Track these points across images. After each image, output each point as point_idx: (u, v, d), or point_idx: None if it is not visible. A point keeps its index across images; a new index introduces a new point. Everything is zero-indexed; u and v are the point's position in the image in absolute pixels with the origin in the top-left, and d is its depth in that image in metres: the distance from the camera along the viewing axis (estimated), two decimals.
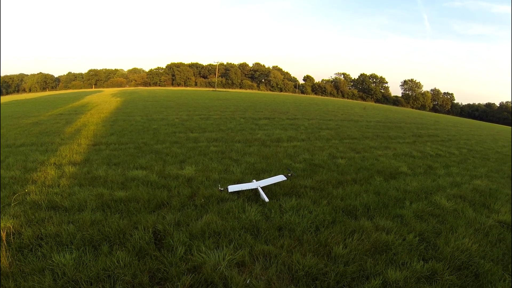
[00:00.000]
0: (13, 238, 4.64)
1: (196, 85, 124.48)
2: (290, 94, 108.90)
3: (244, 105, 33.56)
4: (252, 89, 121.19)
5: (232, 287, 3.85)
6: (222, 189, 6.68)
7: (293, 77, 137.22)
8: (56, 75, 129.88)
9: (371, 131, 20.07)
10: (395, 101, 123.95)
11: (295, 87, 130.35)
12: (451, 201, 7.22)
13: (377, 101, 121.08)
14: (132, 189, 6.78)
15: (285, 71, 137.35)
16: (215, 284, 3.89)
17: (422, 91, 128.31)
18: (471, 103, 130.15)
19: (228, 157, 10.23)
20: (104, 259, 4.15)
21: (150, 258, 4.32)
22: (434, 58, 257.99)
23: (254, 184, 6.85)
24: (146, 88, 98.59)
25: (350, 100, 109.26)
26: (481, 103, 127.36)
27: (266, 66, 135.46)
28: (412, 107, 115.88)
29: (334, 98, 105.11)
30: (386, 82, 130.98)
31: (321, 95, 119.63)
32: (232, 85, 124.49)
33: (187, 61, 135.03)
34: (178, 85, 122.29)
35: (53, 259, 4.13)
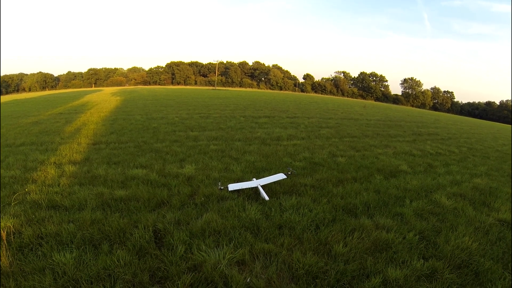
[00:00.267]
0: (14, 237, 4.64)
1: (196, 83, 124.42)
2: (290, 92, 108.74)
3: (244, 103, 33.53)
4: (252, 87, 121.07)
5: (232, 286, 3.85)
6: (222, 187, 6.69)
7: (293, 75, 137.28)
8: (55, 75, 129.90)
9: (371, 129, 20.06)
10: (395, 99, 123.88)
11: (295, 85, 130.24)
12: (451, 200, 7.22)
13: (377, 99, 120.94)
14: (132, 188, 6.78)
15: (285, 69, 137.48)
16: (216, 282, 3.89)
17: (422, 90, 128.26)
18: (471, 101, 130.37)
19: (228, 155, 10.23)
20: (105, 258, 4.15)
21: (150, 257, 4.32)
22: (434, 57, 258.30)
23: (254, 183, 6.85)
24: (146, 87, 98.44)
25: (350, 98, 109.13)
26: (481, 101, 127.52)
27: (266, 65, 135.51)
28: (412, 106, 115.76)
29: (334, 97, 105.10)
30: (386, 81, 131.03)
31: (321, 94, 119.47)
32: (232, 83, 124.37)
33: (187, 60, 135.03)
34: (178, 84, 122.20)
35: (54, 258, 4.13)
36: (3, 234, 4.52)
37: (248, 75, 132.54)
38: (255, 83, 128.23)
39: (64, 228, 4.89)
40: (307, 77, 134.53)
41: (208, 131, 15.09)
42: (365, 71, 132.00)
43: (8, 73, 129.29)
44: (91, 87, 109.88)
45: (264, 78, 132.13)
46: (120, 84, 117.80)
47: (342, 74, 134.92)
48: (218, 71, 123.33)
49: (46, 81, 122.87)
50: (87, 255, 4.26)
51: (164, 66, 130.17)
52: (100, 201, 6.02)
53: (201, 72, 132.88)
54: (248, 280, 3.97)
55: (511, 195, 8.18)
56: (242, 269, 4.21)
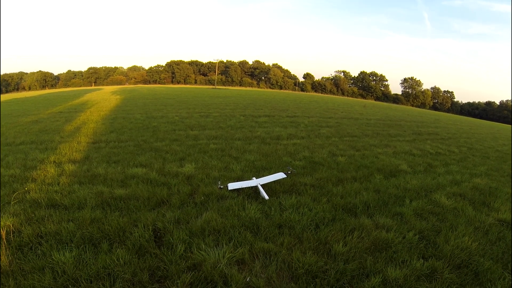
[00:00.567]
0: (13, 236, 4.64)
1: (196, 82, 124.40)
2: (290, 91, 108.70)
3: (244, 102, 33.51)
4: (252, 86, 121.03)
5: (232, 285, 3.85)
6: (221, 186, 6.68)
7: (293, 74, 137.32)
8: (55, 73, 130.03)
9: (371, 129, 20.05)
10: (395, 99, 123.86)
11: (295, 84, 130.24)
12: (451, 199, 7.22)
13: (377, 99, 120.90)
14: (132, 187, 6.78)
15: (285, 68, 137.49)
16: (215, 281, 3.89)
17: (422, 89, 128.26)
18: (471, 101, 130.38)
19: (228, 154, 10.22)
20: (104, 257, 4.15)
21: (150, 256, 4.32)
22: (434, 57, 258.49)
23: (254, 182, 6.84)
24: (145, 86, 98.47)
25: (350, 98, 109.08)
26: (481, 101, 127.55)
27: (266, 64, 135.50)
28: (412, 105, 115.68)
29: (334, 96, 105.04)
30: (386, 80, 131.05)
31: (321, 93, 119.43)
32: (232, 82, 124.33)
33: (187, 58, 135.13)
34: (178, 82, 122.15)
35: (53, 257, 4.13)
36: (3, 233, 4.52)
37: (248, 74, 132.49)
38: (255, 82, 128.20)
39: (64, 227, 4.88)
40: (307, 76, 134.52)
41: (208, 130, 15.08)
42: (365, 71, 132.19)
43: (8, 72, 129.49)
44: (91, 86, 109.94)
45: (264, 77, 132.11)
46: (120, 83, 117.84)
47: (342, 74, 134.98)
48: (218, 70, 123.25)
49: (46, 80, 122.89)
50: (87, 254, 4.25)
51: (164, 65, 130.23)
52: (99, 200, 6.01)
53: (201, 71, 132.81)
54: (247, 279, 3.97)
55: (511, 195, 8.18)
56: (242, 268, 4.21)
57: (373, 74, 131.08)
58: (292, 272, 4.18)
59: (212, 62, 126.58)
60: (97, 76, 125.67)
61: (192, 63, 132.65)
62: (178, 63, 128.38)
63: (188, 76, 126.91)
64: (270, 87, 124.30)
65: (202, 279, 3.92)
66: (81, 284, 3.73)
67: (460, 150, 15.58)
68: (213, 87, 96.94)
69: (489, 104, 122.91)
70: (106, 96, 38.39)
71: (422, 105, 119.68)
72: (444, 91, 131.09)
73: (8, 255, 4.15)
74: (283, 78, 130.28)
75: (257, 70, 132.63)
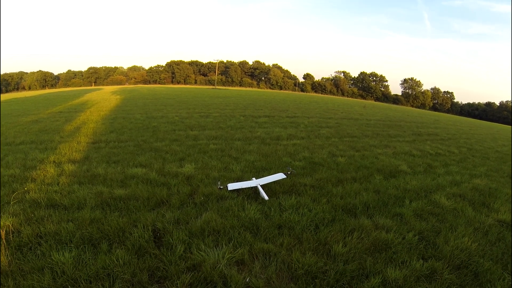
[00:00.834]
0: (13, 236, 4.63)
1: (196, 83, 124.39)
2: (290, 92, 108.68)
3: (244, 103, 33.52)
4: (252, 87, 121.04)
5: (231, 286, 3.85)
6: (221, 187, 6.68)
7: (293, 75, 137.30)
8: (55, 73, 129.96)
9: (371, 129, 20.05)
10: (395, 99, 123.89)
11: (295, 85, 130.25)
12: (451, 200, 7.22)
13: (377, 99, 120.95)
14: (131, 187, 6.77)
15: (285, 69, 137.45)
16: (215, 282, 3.89)
17: (422, 90, 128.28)
18: (471, 102, 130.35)
19: (227, 155, 10.22)
20: (104, 258, 4.14)
21: (149, 256, 4.31)
22: (434, 57, 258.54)
23: (253, 182, 6.84)
24: (145, 86, 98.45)
25: (350, 98, 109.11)
26: (481, 102, 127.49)
27: (266, 64, 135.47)
28: (412, 106, 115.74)
29: (334, 97, 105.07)
30: (386, 81, 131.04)
31: (321, 93, 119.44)
32: (232, 83, 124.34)
33: (187, 59, 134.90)
34: (178, 83, 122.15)
35: (53, 258, 4.12)
36: (2, 233, 4.51)
37: (248, 75, 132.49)
38: (255, 83, 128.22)
39: (63, 227, 4.88)
40: (307, 76, 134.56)
41: (208, 130, 15.08)
42: (365, 71, 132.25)
43: (8, 72, 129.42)
44: (91, 85, 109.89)
45: (264, 78, 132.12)
46: (120, 83, 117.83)
47: (342, 74, 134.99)
48: (218, 70, 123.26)
49: (46, 79, 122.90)
50: (86, 254, 4.24)
51: (164, 65, 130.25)
52: (99, 200, 6.01)
53: (201, 71, 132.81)
54: (247, 280, 3.97)
55: (511, 196, 8.18)
56: (241, 269, 4.21)
57: (373, 74, 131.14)
58: (292, 273, 4.18)
59: (212, 62, 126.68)
60: (97, 76, 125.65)
61: (192, 63, 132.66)
62: (178, 63, 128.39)
63: (188, 76, 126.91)
64: (270, 88, 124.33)
65: (202, 279, 3.91)
66: (80, 285, 3.73)
67: (460, 151, 15.59)
68: (213, 87, 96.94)
69: (489, 104, 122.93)
70: (106, 96, 38.39)
71: (422, 106, 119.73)
72: (444, 91, 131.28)
73: (7, 255, 4.15)
74: (283, 78, 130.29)
75: (257, 71, 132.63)
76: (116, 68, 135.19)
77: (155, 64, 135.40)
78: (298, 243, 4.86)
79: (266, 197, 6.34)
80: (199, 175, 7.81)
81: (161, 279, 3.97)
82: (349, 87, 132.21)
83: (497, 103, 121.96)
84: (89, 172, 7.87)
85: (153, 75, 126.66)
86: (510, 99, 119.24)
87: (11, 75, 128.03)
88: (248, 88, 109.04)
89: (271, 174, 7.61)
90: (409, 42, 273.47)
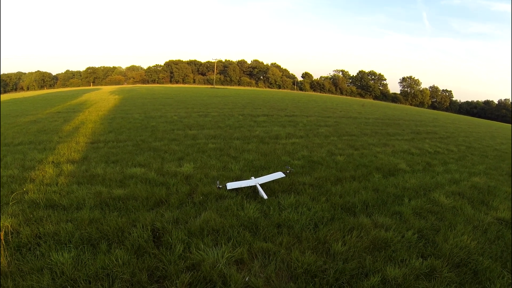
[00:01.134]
0: (12, 237, 4.62)
1: (194, 82, 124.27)
2: (289, 91, 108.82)
3: (242, 102, 33.50)
4: (250, 86, 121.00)
5: (231, 285, 3.85)
6: (220, 186, 6.68)
7: (292, 74, 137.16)
8: (54, 73, 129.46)
9: (370, 128, 20.07)
10: (393, 98, 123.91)
11: (293, 84, 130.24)
12: (450, 198, 7.23)
13: (375, 98, 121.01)
14: (130, 186, 6.76)
15: (284, 68, 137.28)
16: (214, 281, 3.89)
17: (421, 88, 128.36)
18: (470, 100, 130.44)
19: (226, 154, 10.22)
20: (103, 258, 4.14)
21: (148, 256, 4.31)
22: (433, 56, 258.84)
23: (252, 181, 6.84)
24: (144, 85, 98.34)
25: (349, 97, 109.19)
26: (479, 100, 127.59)
27: (265, 63, 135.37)
28: (411, 104, 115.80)
29: (332, 95, 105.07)
30: (385, 79, 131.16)
31: (320, 92, 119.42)
32: (230, 82, 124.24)
33: (185, 58, 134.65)
34: (177, 82, 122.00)
35: (52, 258, 4.11)
36: (1, 234, 4.49)
37: (247, 74, 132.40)
38: (253, 82, 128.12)
39: (62, 227, 4.87)
40: (305, 75, 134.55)
41: (206, 129, 15.07)
42: (363, 70, 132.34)
43: (6, 72, 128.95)
44: (90, 85, 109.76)
45: (263, 77, 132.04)
46: (118, 82, 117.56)
47: (340, 73, 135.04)
48: (216, 69, 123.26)
49: (44, 80, 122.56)
50: (85, 254, 4.24)
51: (162, 64, 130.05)
52: (98, 200, 6.00)
53: (199, 70, 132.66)
54: (246, 279, 3.97)
55: (510, 194, 8.20)
56: (241, 268, 4.21)
57: (372, 73, 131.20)
58: (291, 272, 4.18)
59: (211, 62, 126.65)
60: (96, 76, 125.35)
61: (191, 63, 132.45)
62: (177, 63, 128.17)
63: (186, 75, 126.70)
64: (268, 87, 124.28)
65: (201, 279, 3.91)
66: (79, 285, 3.72)
67: (458, 149, 15.62)
68: (212, 86, 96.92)
69: (488, 103, 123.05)
70: (104, 96, 38.31)
71: (421, 104, 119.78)
72: (443, 90, 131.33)
73: (6, 256, 4.13)
74: (281, 77, 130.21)
75: (256, 70, 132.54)
76: (114, 68, 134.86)
77: (154, 64, 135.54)
78: (298, 242, 4.86)
79: (265, 196, 6.34)
80: (198, 174, 7.80)
81: (161, 278, 3.96)
82: (348, 85, 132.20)
83: (496, 102, 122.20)
84: (88, 172, 7.85)
85: (151, 74, 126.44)
86: (508, 98, 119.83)
87: (9, 76, 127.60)
88: (246, 87, 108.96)
89: (270, 173, 7.60)
90: (408, 41, 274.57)
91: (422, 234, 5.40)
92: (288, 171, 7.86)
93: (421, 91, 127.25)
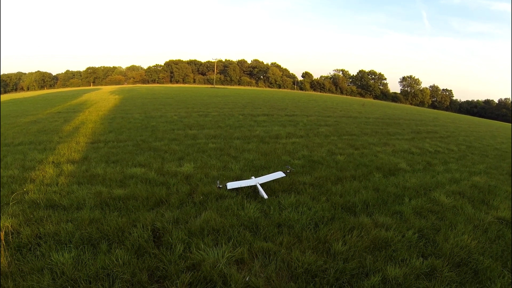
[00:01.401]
0: (12, 237, 4.62)
1: (194, 82, 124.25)
2: (289, 90, 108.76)
3: (242, 101, 33.50)
4: (250, 85, 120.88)
5: (231, 285, 3.84)
6: (220, 186, 6.68)
7: (292, 73, 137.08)
8: (54, 73, 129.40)
9: (370, 127, 20.06)
10: (394, 97, 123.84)
11: (293, 83, 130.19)
12: (450, 198, 7.22)
13: (375, 97, 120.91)
14: (130, 186, 6.76)
15: (284, 67, 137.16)
16: (214, 281, 3.88)
17: (421, 88, 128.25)
18: (470, 99, 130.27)
19: (226, 154, 10.21)
20: (103, 258, 4.14)
21: (149, 256, 4.31)
22: (433, 55, 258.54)
23: (253, 181, 6.84)
24: (144, 85, 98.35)
25: (349, 96, 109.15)
26: (479, 99, 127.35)
27: (265, 63, 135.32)
28: (411, 104, 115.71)
29: (333, 95, 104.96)
30: (385, 79, 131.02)
31: (320, 92, 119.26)
32: (230, 82, 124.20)
33: (185, 58, 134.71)
34: (177, 82, 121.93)
35: (52, 258, 4.11)
36: (2, 234, 4.50)
37: (247, 73, 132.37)
38: (253, 81, 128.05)
39: (63, 227, 4.87)
40: (306, 75, 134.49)
41: (206, 129, 15.07)
42: (364, 69, 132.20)
43: (6, 72, 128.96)
44: (90, 86, 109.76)
45: (263, 76, 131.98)
46: (118, 82, 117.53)
47: (341, 72, 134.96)
48: (216, 69, 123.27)
49: (44, 80, 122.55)
50: (86, 254, 4.24)
51: (162, 64, 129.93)
52: (98, 200, 6.00)
53: (199, 70, 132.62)
54: (247, 279, 3.96)
55: (510, 193, 8.19)
56: (241, 268, 4.21)
57: (372, 72, 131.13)
58: (292, 272, 4.17)
59: (211, 62, 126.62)
60: (96, 76, 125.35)
61: (191, 63, 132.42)
62: (177, 63, 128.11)
63: (186, 75, 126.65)
64: (268, 86, 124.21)
65: (201, 279, 3.91)
66: (80, 285, 3.72)
67: (459, 148, 15.60)
68: (212, 86, 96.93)
69: (488, 102, 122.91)
70: (104, 96, 38.32)
71: (421, 104, 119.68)
72: (443, 89, 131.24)
73: (7, 256, 4.13)
74: (281, 77, 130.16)
75: (256, 69, 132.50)
76: (114, 68, 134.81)
77: (154, 64, 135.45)
78: (298, 242, 4.86)
79: (265, 196, 6.34)
80: (198, 174, 7.80)
81: (161, 278, 3.96)
82: (348, 85, 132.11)
83: (496, 101, 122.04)
84: (88, 172, 7.85)
85: (151, 74, 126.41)
86: (509, 97, 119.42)
87: (9, 76, 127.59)
88: (246, 87, 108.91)
89: (270, 173, 7.60)
90: (408, 41, 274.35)
91: (422, 233, 5.39)
92: (288, 171, 7.86)
93: (421, 90, 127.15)
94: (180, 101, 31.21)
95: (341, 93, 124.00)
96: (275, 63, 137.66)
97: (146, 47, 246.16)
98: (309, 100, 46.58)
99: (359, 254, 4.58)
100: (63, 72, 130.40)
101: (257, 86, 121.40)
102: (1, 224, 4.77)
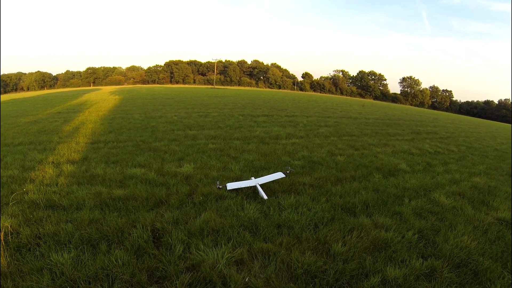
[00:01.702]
0: (11, 237, 4.62)
1: (194, 82, 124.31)
2: (289, 91, 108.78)
3: (242, 102, 33.50)
4: (250, 86, 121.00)
5: (230, 285, 3.84)
6: (220, 186, 6.67)
7: (292, 74, 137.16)
8: (54, 74, 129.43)
9: (370, 128, 20.06)
10: (393, 98, 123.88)
11: (293, 84, 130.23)
12: (450, 199, 7.22)
13: (375, 98, 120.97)
14: (130, 187, 6.76)
15: (284, 68, 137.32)
16: (214, 282, 3.88)
17: (421, 88, 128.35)
18: (470, 100, 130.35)
19: (226, 154, 10.21)
20: (103, 258, 4.13)
21: (148, 256, 4.31)
22: (433, 56, 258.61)
23: (252, 182, 6.83)
24: (144, 85, 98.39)
25: (349, 97, 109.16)
26: (479, 100, 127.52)
27: (265, 64, 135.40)
28: (411, 104, 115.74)
29: (332, 95, 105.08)
30: (385, 79, 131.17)
31: (320, 92, 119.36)
32: (230, 82, 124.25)
33: (185, 58, 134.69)
34: (177, 82, 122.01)
35: (51, 259, 4.11)
36: (1, 234, 4.49)
37: (247, 74, 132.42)
38: (253, 82, 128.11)
39: (62, 228, 4.87)
40: (305, 75, 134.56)
41: (206, 130, 15.07)
42: (364, 70, 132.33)
43: (6, 72, 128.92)
44: (90, 86, 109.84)
45: (263, 77, 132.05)
46: (118, 83, 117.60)
47: (341, 73, 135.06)
48: (216, 70, 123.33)
49: (44, 80, 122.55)
50: (85, 255, 4.23)
51: (162, 65, 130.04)
52: (98, 200, 6.00)
53: (199, 71, 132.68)
54: (246, 280, 3.96)
55: (510, 194, 8.18)
56: (241, 269, 4.20)
57: (372, 73, 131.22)
58: (291, 272, 4.17)
59: (211, 62, 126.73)
60: (96, 76, 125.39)
61: (191, 63, 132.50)
62: (177, 63, 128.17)
63: (186, 76, 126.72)
64: (268, 87, 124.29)
65: (201, 279, 3.91)
66: (79, 285, 3.72)
67: (459, 149, 15.60)
68: (212, 86, 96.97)
69: (488, 103, 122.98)
70: (104, 96, 38.32)
71: (421, 104, 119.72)
72: (443, 90, 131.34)
73: (6, 256, 4.13)
74: (281, 77, 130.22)
75: (256, 70, 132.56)
76: (114, 68, 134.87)
77: (154, 64, 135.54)
78: (298, 243, 4.85)
79: (265, 197, 6.33)
80: (198, 174, 7.80)
81: (160, 279, 3.96)
82: (348, 86, 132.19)
83: (496, 102, 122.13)
84: (88, 172, 7.85)
85: (151, 75, 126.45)
86: (509, 97, 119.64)
87: (9, 76, 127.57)
88: (246, 88, 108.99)
89: (270, 174, 7.60)
90: (408, 41, 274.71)
91: (422, 234, 5.39)
92: (288, 172, 7.85)
93: (421, 91, 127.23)
94: (180, 102, 31.22)
95: (341, 93, 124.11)
96: (275, 63, 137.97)
97: (146, 48, 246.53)
98: (309, 100, 46.60)
99: (358, 255, 4.58)
100: (63, 72, 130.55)
101: (257, 87, 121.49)
102: (0, 224, 4.76)
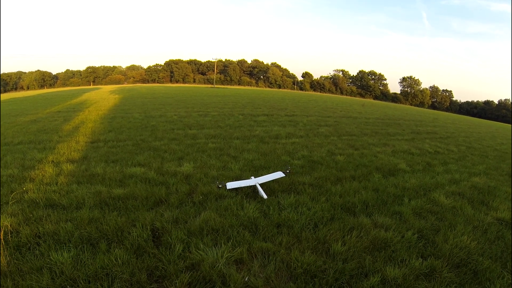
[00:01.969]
0: (11, 236, 4.62)
1: (194, 82, 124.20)
2: (289, 90, 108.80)
3: (242, 101, 33.49)
4: (250, 85, 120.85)
5: (230, 285, 3.84)
6: (220, 186, 6.67)
7: (292, 73, 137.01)
8: (54, 73, 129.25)
9: (370, 128, 20.06)
10: (393, 98, 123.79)
11: (293, 83, 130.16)
12: (450, 198, 7.22)
13: (375, 98, 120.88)
14: (130, 186, 6.76)
15: (284, 67, 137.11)
16: (213, 281, 3.88)
17: (421, 88, 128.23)
18: (470, 100, 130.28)
19: (226, 154, 10.21)
20: (102, 257, 4.13)
21: (148, 256, 4.31)
22: (432, 56, 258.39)
23: (252, 181, 6.83)
24: (144, 85, 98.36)
25: (349, 97, 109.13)
26: (479, 100, 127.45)
27: (265, 63, 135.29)
28: (411, 104, 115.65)
29: (333, 95, 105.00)
30: (385, 79, 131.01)
31: (320, 92, 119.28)
32: (230, 81, 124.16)
33: (185, 58, 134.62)
34: (177, 82, 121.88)
35: (51, 258, 4.11)
36: (1, 234, 4.49)
37: (247, 73, 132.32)
38: (253, 81, 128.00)
39: (62, 227, 4.86)
40: (306, 75, 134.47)
41: (206, 129, 15.06)
42: (364, 70, 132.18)
43: (6, 71, 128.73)
44: (90, 85, 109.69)
45: (263, 76, 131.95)
46: (118, 82, 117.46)
47: (341, 73, 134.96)
48: (216, 69, 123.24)
49: (44, 79, 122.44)
50: (85, 254, 4.24)
51: (162, 64, 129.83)
52: (98, 199, 5.99)
53: (199, 70, 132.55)
54: (246, 279, 3.96)
55: (510, 194, 8.19)
56: (240, 268, 4.20)
57: (372, 73, 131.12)
58: (291, 272, 4.17)
59: (211, 61, 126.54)
60: (96, 76, 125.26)
61: (191, 62, 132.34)
62: (177, 62, 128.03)
63: (186, 75, 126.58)
64: (268, 86, 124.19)
65: (201, 279, 3.91)
66: (79, 285, 3.72)
67: (459, 149, 15.60)
68: (212, 86, 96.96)
69: (488, 103, 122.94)
70: (104, 96, 38.31)
71: (421, 104, 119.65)
72: (443, 90, 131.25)
73: (6, 255, 4.13)
74: (281, 77, 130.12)
75: (256, 69, 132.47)
76: (114, 67, 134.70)
77: (154, 63, 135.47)
78: (297, 242, 4.86)
79: (265, 196, 6.33)
80: (197, 174, 7.80)
81: (160, 278, 3.96)
82: (348, 85, 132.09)
83: (496, 102, 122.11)
84: (87, 171, 7.85)
85: (151, 74, 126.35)
86: (509, 98, 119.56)
87: (9, 75, 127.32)
88: (246, 87, 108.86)
89: (270, 173, 7.60)
90: (408, 41, 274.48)
91: (422, 234, 5.39)
92: (288, 171, 7.85)
93: (421, 91, 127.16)
94: (180, 101, 31.20)
95: (341, 93, 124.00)
96: (275, 63, 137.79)
97: (146, 47, 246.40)
98: (309, 100, 46.58)
99: (358, 255, 4.58)
100: (63, 71, 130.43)
101: (257, 86, 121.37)
102: (0, 223, 4.76)
